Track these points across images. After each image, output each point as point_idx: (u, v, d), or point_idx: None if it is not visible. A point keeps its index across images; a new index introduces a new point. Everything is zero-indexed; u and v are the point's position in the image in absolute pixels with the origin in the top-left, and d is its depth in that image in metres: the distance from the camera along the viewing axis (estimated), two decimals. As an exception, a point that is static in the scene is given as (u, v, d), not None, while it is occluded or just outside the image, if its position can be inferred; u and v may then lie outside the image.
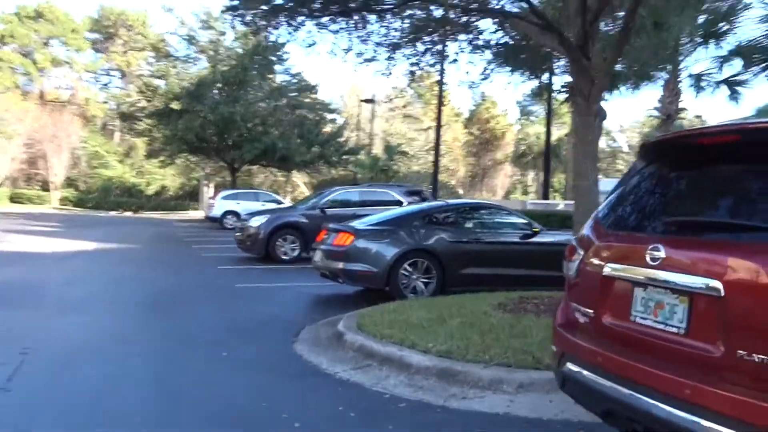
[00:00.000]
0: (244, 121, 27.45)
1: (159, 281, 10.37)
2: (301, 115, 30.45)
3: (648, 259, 2.69)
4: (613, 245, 3.11)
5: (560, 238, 9.42)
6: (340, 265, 8.43)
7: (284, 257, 13.76)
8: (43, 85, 55.34)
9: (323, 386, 4.85)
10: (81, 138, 47.70)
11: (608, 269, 2.98)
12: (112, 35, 53.94)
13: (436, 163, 18.69)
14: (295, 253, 13.85)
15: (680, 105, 15.81)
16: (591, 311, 3.07)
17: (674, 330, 2.58)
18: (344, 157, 31.63)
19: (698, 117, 41.48)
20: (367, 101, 32.85)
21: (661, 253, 2.64)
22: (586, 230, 3.49)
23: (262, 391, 4.67)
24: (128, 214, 41.48)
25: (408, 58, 10.24)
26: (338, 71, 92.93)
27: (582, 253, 3.29)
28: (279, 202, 28.19)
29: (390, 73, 10.15)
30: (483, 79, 11.14)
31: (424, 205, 9.45)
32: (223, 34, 29.91)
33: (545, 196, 15.60)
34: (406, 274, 8.44)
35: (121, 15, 53.26)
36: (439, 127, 18.59)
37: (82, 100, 54.60)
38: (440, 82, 16.42)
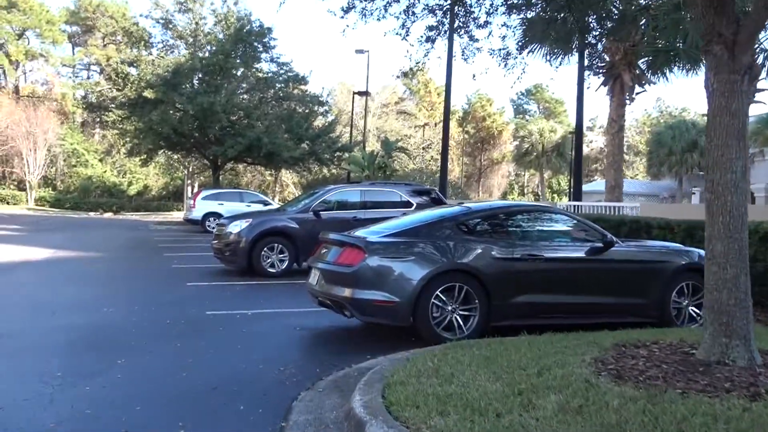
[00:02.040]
0: (225, 113, 24.89)
1: (100, 308, 7.91)
2: (290, 108, 27.92)
3: None
4: None
5: (646, 251, 7.07)
6: (347, 292, 6.01)
7: (270, 270, 11.32)
8: (18, 80, 52.46)
9: None
10: (58, 135, 44.97)
11: None
12: (91, 28, 51.07)
13: (444, 158, 16.35)
14: (284, 266, 11.42)
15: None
16: None
17: None
18: (337, 154, 29.14)
19: None
20: (360, 93, 30.43)
21: None
22: None
23: None
24: (108, 215, 38.85)
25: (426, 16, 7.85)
26: (328, 62, 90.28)
27: None
28: (266, 203, 25.69)
29: (407, 33, 7.74)
30: (520, 49, 8.76)
31: (456, 208, 7.03)
32: (203, 18, 27.31)
33: (576, 197, 13.31)
34: (439, 304, 6.05)
35: (99, 6, 50.43)
36: (447, 114, 16.21)
37: (58, 95, 51.78)
38: (449, 58, 14.01)
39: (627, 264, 6.81)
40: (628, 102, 15.35)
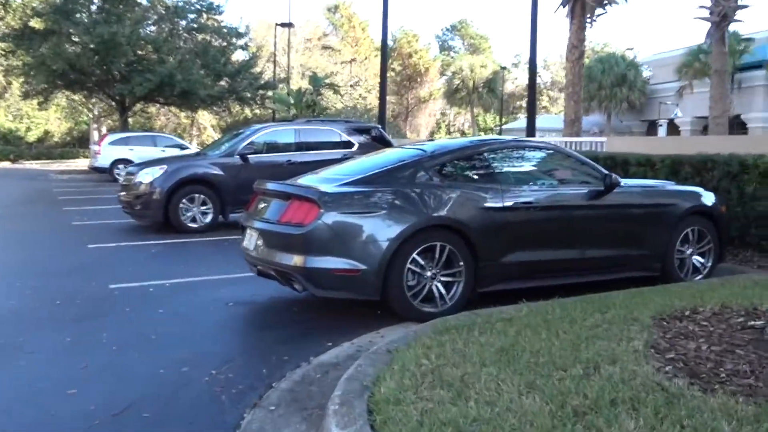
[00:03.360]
0: (131, 45, 22.02)
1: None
2: (204, 40, 25.20)
3: None
4: None
5: (650, 193, 5.99)
6: (297, 260, 4.57)
7: (192, 225, 9.67)
8: None
9: None
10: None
11: None
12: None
13: (382, 93, 14.77)
14: (208, 219, 9.78)
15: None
16: None
17: None
18: (260, 92, 26.82)
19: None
20: (283, 25, 27.95)
21: None
22: None
23: None
24: (5, 164, 34.99)
25: None
26: None
27: None
28: (183, 147, 23.39)
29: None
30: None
31: (428, 146, 5.61)
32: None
33: (530, 133, 12.21)
34: (416, 270, 4.73)
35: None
36: (385, 43, 14.53)
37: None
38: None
39: (630, 210, 5.68)
40: (589, 25, 14.24)
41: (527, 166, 5.61)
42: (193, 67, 22.53)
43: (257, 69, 28.87)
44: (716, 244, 6.14)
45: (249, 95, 26.91)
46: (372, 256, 4.54)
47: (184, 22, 25.35)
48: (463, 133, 65.34)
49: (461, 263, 4.84)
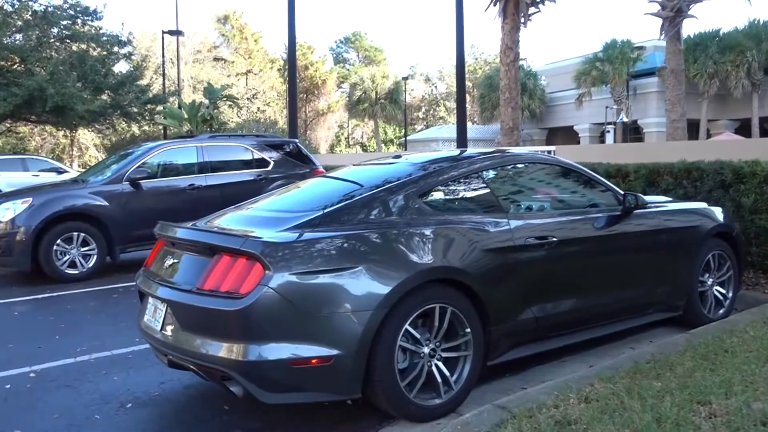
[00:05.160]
0: (-9, 57, 18.88)
1: None
2: (80, 49, 22.32)
3: None
4: None
5: (670, 213, 4.84)
6: (233, 349, 2.95)
7: (70, 272, 7.65)
8: None
9: None
10: None
11: None
12: None
13: (292, 102, 13.13)
14: (91, 263, 7.79)
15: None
16: None
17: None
18: (148, 106, 24.21)
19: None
20: (172, 33, 25.49)
21: None
22: None
23: None
24: None
25: None
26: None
27: None
28: (61, 171, 20.53)
29: None
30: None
31: (402, 164, 4.14)
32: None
33: (461, 144, 11.05)
34: (410, 347, 3.25)
35: None
36: (293, 48, 12.92)
37: None
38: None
39: (652, 236, 4.50)
40: (522, 25, 13.34)
41: (536, 189, 4.27)
42: (68, 79, 19.73)
43: (144, 81, 26.20)
44: (735, 271, 5.12)
45: (136, 110, 24.21)
46: (348, 335, 3.01)
47: (56, 30, 22.40)
48: (363, 146, 64.49)
49: (467, 329, 3.42)
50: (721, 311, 4.98)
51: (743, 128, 31.15)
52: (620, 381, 3.32)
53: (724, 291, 5.05)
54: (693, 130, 28.96)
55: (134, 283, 3.82)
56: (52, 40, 22.84)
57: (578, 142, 34.74)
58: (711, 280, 4.95)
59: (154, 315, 3.39)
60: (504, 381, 3.89)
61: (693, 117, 27.28)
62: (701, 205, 5.21)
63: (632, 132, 33.48)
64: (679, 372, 3.36)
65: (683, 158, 6.82)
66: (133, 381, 4.06)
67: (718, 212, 5.15)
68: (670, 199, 5.57)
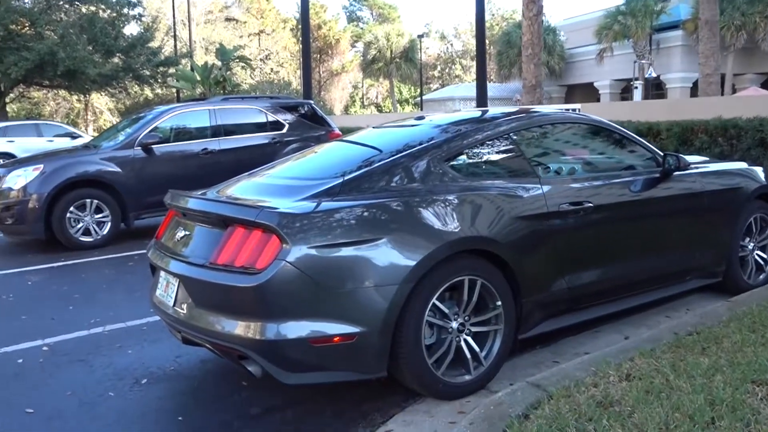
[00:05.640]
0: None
1: None
2: (90, 12, 21.92)
3: None
4: None
5: (712, 174, 4.56)
6: (250, 327, 2.76)
7: (85, 240, 7.55)
8: None
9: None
10: None
11: None
12: None
13: (306, 61, 12.77)
14: (106, 231, 7.68)
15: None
16: None
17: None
18: (160, 69, 23.87)
19: None
20: (182, -7, 25.08)
21: None
22: None
23: None
24: None
25: None
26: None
27: None
28: (75, 136, 20.40)
29: None
30: None
31: (426, 126, 3.88)
32: None
33: (481, 103, 10.66)
34: (438, 322, 3.05)
35: None
36: (306, 4, 12.48)
37: None
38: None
39: (694, 199, 4.22)
40: None
41: (568, 150, 3.99)
42: (78, 42, 19.40)
43: (155, 43, 25.81)
44: (777, 234, 4.83)
45: (148, 73, 23.91)
46: (372, 312, 2.81)
47: (64, -8, 22.01)
48: (378, 107, 63.73)
49: (498, 302, 3.20)
50: (761, 277, 4.72)
51: (770, 82, 30.14)
52: (662, 356, 3.10)
53: (765, 255, 4.78)
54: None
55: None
56: (61, 2, 22.45)
57: (598, 100, 33.89)
58: (752, 244, 4.67)
59: (167, 290, 3.21)
60: (535, 353, 3.69)
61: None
62: (742, 165, 4.89)
63: (654, 88, 32.57)
64: (727, 346, 3.13)
65: (719, 115, 6.47)
66: (147, 355, 3.93)
67: (759, 172, 4.83)
68: (708, 158, 5.26)
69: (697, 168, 4.38)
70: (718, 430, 2.29)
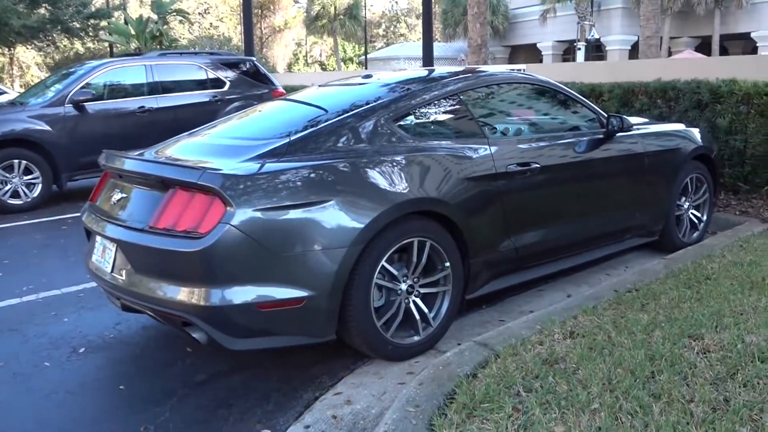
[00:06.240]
0: None
1: None
2: (12, -42, 20.43)
3: None
4: None
5: (653, 135, 4.67)
6: (194, 294, 2.67)
7: (14, 202, 7.17)
8: None
9: None
10: None
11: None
12: None
13: (247, 16, 12.30)
14: (36, 193, 7.31)
15: None
16: None
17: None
18: (91, 21, 22.59)
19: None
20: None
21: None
22: None
23: None
24: None
25: None
26: None
27: None
28: (0, 93, 19.19)
29: None
30: None
31: (372, 85, 3.79)
32: None
33: (427, 62, 10.55)
34: (386, 284, 3.03)
35: None
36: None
37: None
38: None
39: (636, 160, 4.31)
40: None
41: (516, 111, 3.98)
42: (-1, -9, 18.17)
43: (85, -6, 24.36)
44: (711, 194, 5.02)
45: (78, 25, 22.61)
46: (320, 275, 2.76)
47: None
48: (322, 65, 62.52)
49: (446, 263, 3.21)
50: (695, 234, 4.91)
51: (704, 46, 31.08)
52: (604, 313, 3.19)
53: (699, 214, 4.97)
54: (655, 47, 28.64)
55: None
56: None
57: (541, 61, 34.23)
58: (687, 203, 4.84)
59: (103, 255, 3.07)
60: (482, 313, 3.74)
61: (656, 34, 26.88)
62: (680, 126, 5.03)
63: (594, 50, 33.10)
64: (665, 303, 3.25)
65: (658, 77, 6.60)
66: (85, 322, 3.78)
67: (696, 133, 4.98)
68: (648, 120, 5.37)
69: (638, 129, 4.46)
70: (657, 384, 2.37)
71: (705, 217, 5.00)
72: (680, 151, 4.63)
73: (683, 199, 4.80)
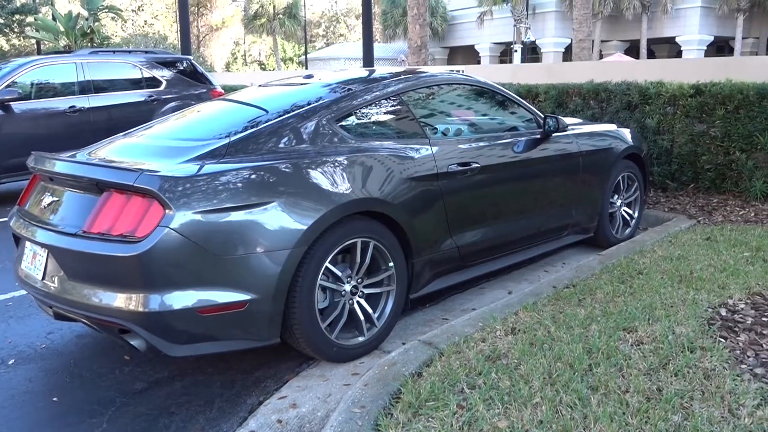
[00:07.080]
0: None
1: None
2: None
3: None
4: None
5: (586, 135, 4.82)
6: (131, 300, 2.59)
7: (-68, 208, 6.76)
8: None
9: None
10: None
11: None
12: None
13: (183, 13, 11.99)
14: (-42, 197, 6.91)
15: None
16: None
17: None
18: (16, 17, 21.56)
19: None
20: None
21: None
22: None
23: None
24: None
25: None
26: None
27: None
28: None
29: None
30: None
31: (313, 86, 3.77)
32: None
33: (367, 62, 10.56)
34: (330, 285, 3.02)
35: None
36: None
37: None
38: None
39: (573, 159, 4.45)
40: None
41: (456, 112, 4.04)
42: None
43: (9, -11, 23.24)
44: (642, 191, 5.24)
45: (1, 21, 21.55)
46: (263, 278, 2.73)
47: None
48: (261, 65, 61.71)
49: (390, 263, 3.23)
50: (627, 231, 5.11)
51: (632, 49, 32.37)
52: (543, 309, 3.27)
53: (630, 211, 5.17)
54: (587, 50, 29.62)
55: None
56: None
57: (479, 62, 34.86)
58: (620, 201, 5.03)
59: (34, 262, 2.93)
60: (426, 312, 3.78)
61: (588, 38, 27.82)
62: (612, 126, 5.21)
63: (530, 52, 33.96)
64: (600, 297, 3.36)
65: (591, 79, 6.83)
66: (14, 333, 3.61)
67: (627, 133, 5.17)
68: (581, 120, 5.55)
69: (573, 129, 4.61)
70: (595, 376, 2.45)
71: (636, 214, 5.21)
72: (612, 151, 4.80)
73: (616, 196, 4.99)
